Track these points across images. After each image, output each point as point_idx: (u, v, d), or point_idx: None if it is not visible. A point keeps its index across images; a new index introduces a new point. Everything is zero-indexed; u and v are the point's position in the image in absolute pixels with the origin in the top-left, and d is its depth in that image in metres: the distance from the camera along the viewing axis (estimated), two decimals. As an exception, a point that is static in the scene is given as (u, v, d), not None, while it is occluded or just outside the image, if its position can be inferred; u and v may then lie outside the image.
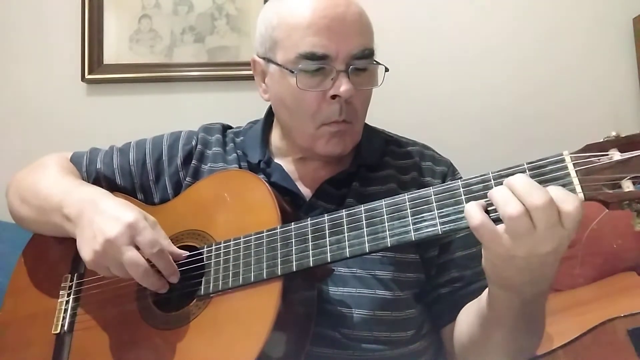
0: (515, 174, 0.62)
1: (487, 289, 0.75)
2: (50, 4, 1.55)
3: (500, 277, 0.67)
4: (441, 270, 0.91)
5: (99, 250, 0.78)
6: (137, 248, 0.78)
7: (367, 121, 0.97)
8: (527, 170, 0.63)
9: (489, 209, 0.62)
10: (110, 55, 1.55)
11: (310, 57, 0.86)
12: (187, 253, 0.84)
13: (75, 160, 1.04)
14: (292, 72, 0.87)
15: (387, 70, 0.91)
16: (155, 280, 0.79)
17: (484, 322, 0.77)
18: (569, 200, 0.59)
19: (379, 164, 0.98)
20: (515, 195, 0.60)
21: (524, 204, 0.59)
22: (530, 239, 0.59)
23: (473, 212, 0.62)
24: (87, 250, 0.80)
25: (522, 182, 0.60)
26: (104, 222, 0.80)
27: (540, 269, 0.63)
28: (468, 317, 0.84)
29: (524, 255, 0.60)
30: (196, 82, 1.58)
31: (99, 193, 0.89)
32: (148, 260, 0.78)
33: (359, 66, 0.88)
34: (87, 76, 1.54)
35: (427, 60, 1.61)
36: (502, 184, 0.62)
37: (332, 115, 0.88)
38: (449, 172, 0.99)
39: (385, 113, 1.09)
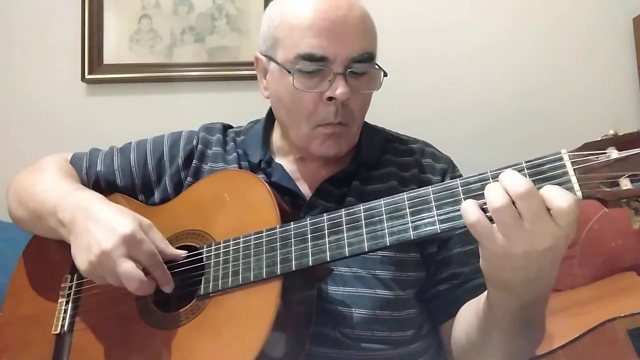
0: None
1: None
2: (50, 4, 1.55)
3: (497, 277, 0.66)
4: (440, 266, 0.91)
5: (95, 261, 0.78)
6: (133, 258, 0.78)
7: (366, 118, 0.97)
8: (525, 169, 0.62)
9: (484, 207, 0.62)
10: (110, 55, 1.55)
11: (309, 58, 0.86)
12: (185, 252, 0.84)
13: (75, 161, 1.04)
14: (289, 72, 0.87)
15: (385, 75, 0.90)
16: (150, 290, 0.80)
17: (482, 322, 0.77)
18: (562, 196, 0.58)
19: (380, 162, 0.98)
20: (503, 187, 0.60)
21: (509, 195, 0.59)
22: (522, 233, 0.59)
23: (469, 209, 0.61)
24: (82, 259, 0.80)
25: (508, 175, 0.60)
26: (99, 231, 0.79)
27: (538, 270, 0.62)
28: (467, 316, 0.83)
29: (521, 254, 0.60)
30: (196, 82, 1.58)
31: (94, 199, 0.88)
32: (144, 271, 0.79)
33: (357, 70, 0.87)
34: (87, 76, 1.54)
35: (427, 58, 1.60)
36: None
37: (328, 117, 0.88)
38: (449, 169, 0.99)
39: (385, 110, 1.09)
